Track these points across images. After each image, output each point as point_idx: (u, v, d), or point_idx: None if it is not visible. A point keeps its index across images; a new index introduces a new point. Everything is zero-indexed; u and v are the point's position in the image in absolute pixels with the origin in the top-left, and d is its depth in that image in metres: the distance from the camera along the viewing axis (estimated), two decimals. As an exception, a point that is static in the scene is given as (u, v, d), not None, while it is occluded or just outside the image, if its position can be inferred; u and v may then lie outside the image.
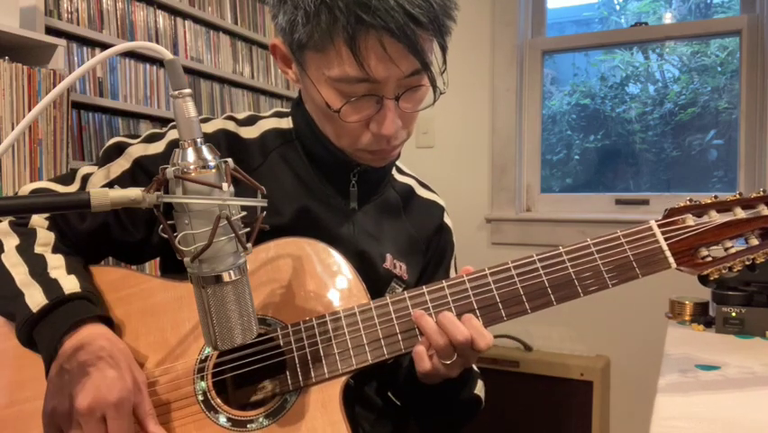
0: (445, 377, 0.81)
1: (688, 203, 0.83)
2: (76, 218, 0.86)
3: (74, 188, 0.87)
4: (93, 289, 0.81)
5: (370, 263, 0.91)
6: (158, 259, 0.96)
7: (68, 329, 0.73)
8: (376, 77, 0.76)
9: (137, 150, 0.88)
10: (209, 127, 0.90)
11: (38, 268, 0.78)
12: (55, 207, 0.60)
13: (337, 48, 0.76)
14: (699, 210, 0.83)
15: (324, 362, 0.79)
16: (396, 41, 0.74)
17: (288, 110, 0.97)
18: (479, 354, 0.80)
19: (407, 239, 0.99)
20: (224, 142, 0.89)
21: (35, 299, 0.75)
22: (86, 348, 0.71)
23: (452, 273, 1.05)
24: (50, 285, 0.77)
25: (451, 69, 0.85)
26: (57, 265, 0.80)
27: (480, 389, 0.95)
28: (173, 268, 0.89)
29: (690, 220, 0.82)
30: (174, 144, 0.87)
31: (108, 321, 0.78)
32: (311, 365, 0.79)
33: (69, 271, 0.79)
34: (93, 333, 0.74)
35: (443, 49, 0.81)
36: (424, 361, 0.79)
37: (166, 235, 0.61)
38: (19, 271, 0.78)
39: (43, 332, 0.74)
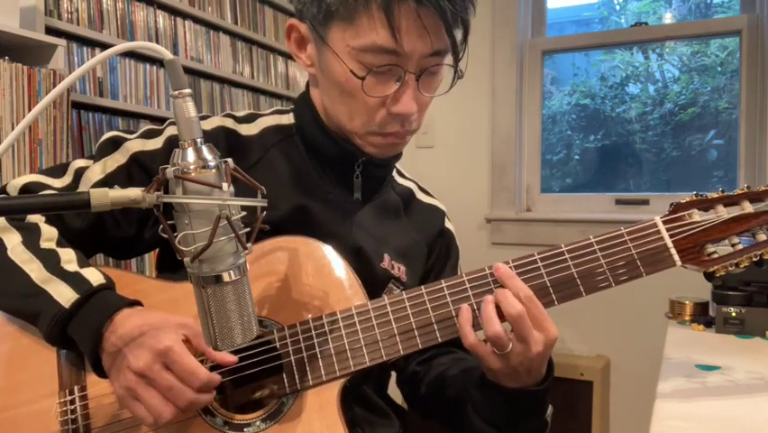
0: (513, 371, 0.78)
1: (694, 197, 0.81)
2: (71, 215, 0.85)
3: (67, 180, 0.86)
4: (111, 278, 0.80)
5: (367, 261, 0.90)
6: (153, 255, 0.96)
7: (107, 319, 0.72)
8: (404, 47, 0.78)
9: (135, 145, 0.88)
10: (208, 125, 0.90)
11: (52, 263, 0.77)
12: (55, 207, 0.60)
13: (369, 14, 0.77)
14: (705, 205, 0.81)
15: (320, 364, 0.79)
16: (432, 13, 0.77)
17: (289, 108, 0.97)
18: (542, 338, 0.76)
19: (408, 241, 0.98)
20: (223, 140, 0.89)
21: (63, 294, 0.73)
22: (124, 331, 0.71)
23: None
24: (74, 279, 0.75)
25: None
26: (69, 259, 0.78)
27: (549, 414, 0.91)
28: (170, 264, 0.89)
29: (696, 215, 0.80)
30: (172, 141, 0.87)
31: (137, 303, 0.77)
32: (308, 367, 0.78)
33: (82, 265, 0.79)
34: (129, 316, 0.73)
35: (467, 31, 0.83)
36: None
37: (166, 235, 0.61)
38: (33, 268, 0.76)
39: (81, 326, 0.73)
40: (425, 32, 0.78)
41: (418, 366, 1.01)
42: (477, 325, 0.78)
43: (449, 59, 0.83)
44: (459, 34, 0.82)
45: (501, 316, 0.76)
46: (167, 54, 0.60)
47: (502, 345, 0.75)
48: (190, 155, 0.61)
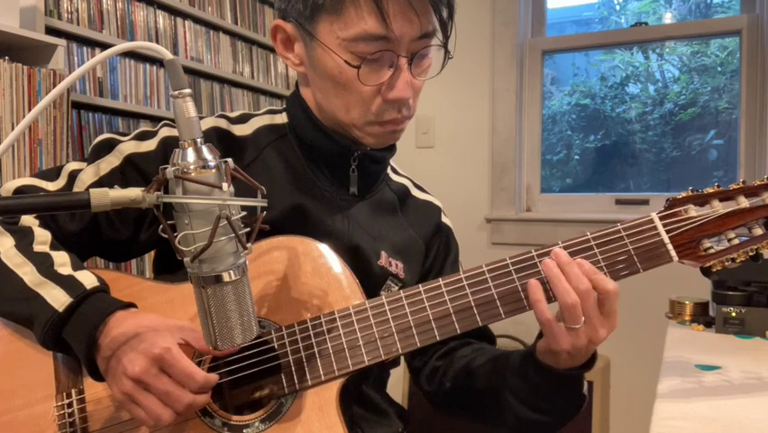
0: (572, 348, 0.77)
1: (690, 193, 0.81)
2: (65, 218, 0.85)
3: (60, 183, 0.86)
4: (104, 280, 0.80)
5: (365, 259, 0.90)
6: (152, 255, 0.96)
7: (102, 322, 0.72)
8: (395, 31, 0.78)
9: (128, 147, 0.88)
10: (201, 125, 0.89)
11: (45, 266, 0.77)
12: (54, 207, 0.60)
13: (356, 4, 0.78)
14: (701, 200, 0.81)
15: (319, 364, 0.79)
16: None
17: (281, 108, 0.97)
18: (604, 320, 0.76)
19: (406, 238, 0.98)
20: (217, 140, 0.89)
21: (57, 298, 0.73)
22: (119, 334, 0.71)
23: None
24: (67, 282, 0.75)
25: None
26: (63, 262, 0.78)
27: (587, 388, 0.90)
28: (167, 266, 0.89)
29: (693, 211, 0.80)
30: (166, 142, 0.87)
31: (132, 306, 0.77)
32: (306, 368, 0.78)
33: (76, 268, 0.78)
34: (124, 319, 0.73)
35: (452, 10, 0.83)
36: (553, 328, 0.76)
37: (166, 235, 0.61)
38: (26, 271, 0.76)
39: (76, 330, 0.73)
40: (413, 15, 0.79)
41: (438, 361, 1.00)
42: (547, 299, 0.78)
43: (435, 41, 0.84)
44: (444, 14, 0.82)
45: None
46: (167, 54, 0.60)
47: (577, 315, 0.75)
48: (190, 155, 0.61)
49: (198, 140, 0.62)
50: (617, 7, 2.79)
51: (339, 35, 0.80)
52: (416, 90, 0.86)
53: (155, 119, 2.11)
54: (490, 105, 2.51)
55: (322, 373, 0.78)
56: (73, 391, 0.79)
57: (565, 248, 0.80)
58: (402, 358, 1.02)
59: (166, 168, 0.61)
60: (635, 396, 2.23)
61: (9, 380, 0.79)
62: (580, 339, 0.76)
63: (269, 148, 0.92)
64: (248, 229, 0.64)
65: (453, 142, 2.58)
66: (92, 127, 1.91)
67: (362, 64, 0.80)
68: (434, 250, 1.02)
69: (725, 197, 0.81)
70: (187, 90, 0.61)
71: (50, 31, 1.74)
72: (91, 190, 0.57)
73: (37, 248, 0.80)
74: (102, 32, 1.94)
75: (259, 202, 0.64)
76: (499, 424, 0.91)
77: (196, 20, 2.29)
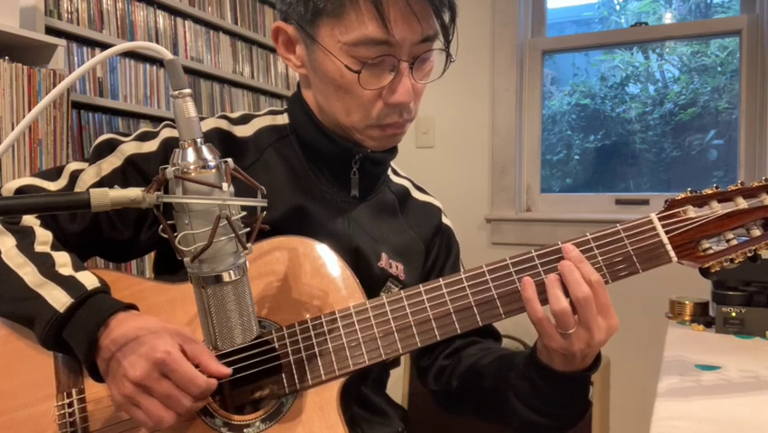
0: (568, 350, 0.77)
1: (688, 194, 0.82)
2: (66, 218, 0.85)
3: (62, 183, 0.86)
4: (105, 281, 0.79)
5: (365, 261, 0.90)
6: (152, 256, 0.96)
7: (103, 323, 0.72)
8: (396, 36, 0.78)
9: (130, 147, 0.87)
10: (203, 126, 0.89)
11: (46, 267, 0.77)
12: (55, 207, 0.60)
13: (356, 8, 0.78)
14: (699, 201, 0.81)
15: (319, 363, 0.79)
16: None
17: (283, 108, 0.97)
18: (603, 323, 0.76)
19: (406, 240, 0.98)
20: (218, 141, 0.88)
21: (58, 298, 0.73)
22: (119, 335, 0.71)
23: None
24: (68, 283, 0.75)
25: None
26: (64, 263, 0.78)
27: (591, 394, 0.90)
28: (168, 266, 0.89)
29: (691, 212, 0.80)
30: (168, 143, 0.87)
31: (132, 307, 0.77)
32: (307, 368, 0.79)
33: (77, 268, 0.78)
34: (125, 320, 0.73)
35: (454, 14, 0.83)
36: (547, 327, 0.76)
37: (166, 235, 0.61)
38: (27, 272, 0.76)
39: (76, 331, 0.72)
40: (414, 19, 0.78)
41: (445, 360, 1.00)
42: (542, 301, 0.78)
43: (438, 44, 0.84)
44: (446, 17, 0.82)
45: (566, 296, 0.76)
46: (167, 54, 0.60)
47: (567, 322, 0.75)
48: (190, 155, 0.61)
49: (198, 140, 0.62)
50: (617, 7, 2.79)
51: (340, 39, 0.80)
52: (418, 94, 0.86)
53: (155, 119, 2.11)
54: (490, 106, 2.51)
55: (322, 372, 0.78)
56: (73, 390, 0.78)
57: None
58: (402, 358, 1.02)
59: (166, 168, 0.61)
60: (635, 396, 2.23)
61: (9, 380, 0.79)
62: (573, 345, 0.76)
63: (271, 149, 0.92)
64: (248, 229, 0.64)
65: (453, 142, 2.58)
66: (92, 127, 1.91)
67: (363, 69, 0.80)
68: (434, 251, 1.02)
69: (723, 198, 0.81)
70: (187, 90, 0.61)
71: (50, 31, 1.74)
72: (91, 190, 0.57)
73: (38, 248, 0.79)
74: (102, 32, 1.94)
75: (259, 202, 0.64)
76: (505, 425, 0.91)
77: (196, 20, 2.29)
